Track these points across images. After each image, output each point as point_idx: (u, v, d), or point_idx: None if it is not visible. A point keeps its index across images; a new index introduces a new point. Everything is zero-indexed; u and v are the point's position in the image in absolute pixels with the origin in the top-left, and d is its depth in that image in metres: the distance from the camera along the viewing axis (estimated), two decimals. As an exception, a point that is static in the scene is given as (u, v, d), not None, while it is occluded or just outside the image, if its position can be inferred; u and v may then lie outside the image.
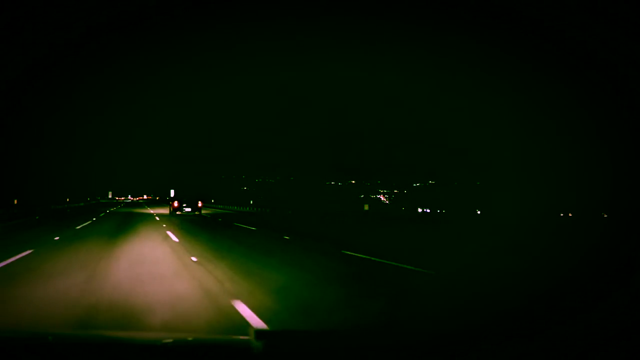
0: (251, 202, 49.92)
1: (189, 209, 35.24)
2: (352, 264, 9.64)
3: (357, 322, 4.85)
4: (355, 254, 10.84)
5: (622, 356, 1.86)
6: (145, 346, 2.36)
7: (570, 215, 42.82)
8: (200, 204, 36.37)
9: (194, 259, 9.55)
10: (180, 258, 9.76)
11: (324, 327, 4.67)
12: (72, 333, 3.49)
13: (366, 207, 34.70)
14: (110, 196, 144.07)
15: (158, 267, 8.48)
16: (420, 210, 78.73)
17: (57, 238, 13.92)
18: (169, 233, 16.26)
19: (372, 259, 10.10)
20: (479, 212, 62.61)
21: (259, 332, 1.83)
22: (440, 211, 74.24)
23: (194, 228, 20.07)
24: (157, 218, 27.50)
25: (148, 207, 60.50)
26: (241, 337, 2.29)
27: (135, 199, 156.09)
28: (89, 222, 22.77)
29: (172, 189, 38.19)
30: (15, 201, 36.63)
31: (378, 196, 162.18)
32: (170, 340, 2.55)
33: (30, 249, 10.75)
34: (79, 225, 20.06)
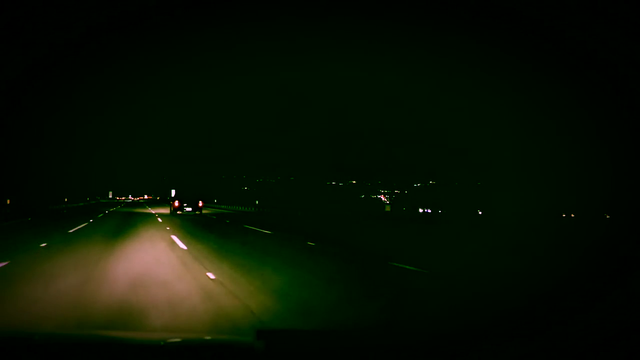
0: (257, 202, 47.68)
1: (189, 209, 35.08)
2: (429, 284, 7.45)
3: None
4: (409, 267, 8.64)
5: (622, 356, 1.85)
6: (146, 346, 2.28)
7: (572, 215, 43.12)
8: (200, 204, 36.10)
9: (211, 276, 7.33)
10: (194, 275, 7.53)
11: (324, 327, 4.50)
12: (73, 333, 3.26)
13: (387, 209, 32.47)
14: (110, 196, 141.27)
15: (167, 290, 6.26)
16: (421, 210, 77.58)
17: (43, 245, 11.67)
18: (175, 238, 14.01)
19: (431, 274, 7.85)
20: (480, 213, 61.58)
21: (260, 332, 1.81)
22: (442, 211, 73.20)
23: (201, 231, 17.82)
24: (160, 219, 25.18)
25: (149, 207, 58.11)
26: (243, 337, 2.40)
27: (135, 199, 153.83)
28: (85, 224, 20.50)
29: (172, 188, 37.97)
30: (8, 201, 34.27)
31: (378, 196, 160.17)
32: (172, 341, 2.48)
33: (5, 261, 8.54)
34: (73, 227, 17.79)
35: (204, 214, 36.10)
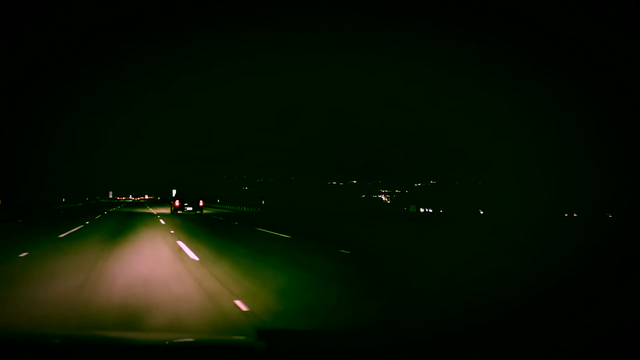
0: (263, 202, 45.44)
1: (190, 208, 34.86)
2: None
3: None
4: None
5: (622, 356, 1.85)
6: (147, 347, 2.23)
7: (575, 215, 42.37)
8: (201, 203, 35.78)
9: (242, 306, 5.09)
10: (217, 303, 5.29)
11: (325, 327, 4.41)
12: (74, 334, 3.01)
13: (413, 209, 30.21)
14: (111, 196, 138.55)
15: (182, 324, 4.07)
16: (422, 210, 76.03)
17: (24, 255, 9.47)
18: (181, 245, 11.76)
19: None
20: (481, 212, 60.25)
21: (261, 332, 1.80)
22: (444, 211, 71.91)
23: (209, 235, 15.57)
24: (162, 221, 22.82)
25: (150, 207, 55.74)
26: (244, 337, 2.34)
27: (136, 199, 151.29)
28: (80, 226, 18.21)
29: (173, 188, 37.49)
30: (0, 201, 31.92)
31: (379, 196, 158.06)
32: (173, 341, 2.44)
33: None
34: (65, 231, 15.53)
35: (206, 213, 35.56)
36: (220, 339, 3.09)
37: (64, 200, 49.61)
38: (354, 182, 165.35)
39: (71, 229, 16.72)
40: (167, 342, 2.39)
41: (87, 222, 20.85)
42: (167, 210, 38.44)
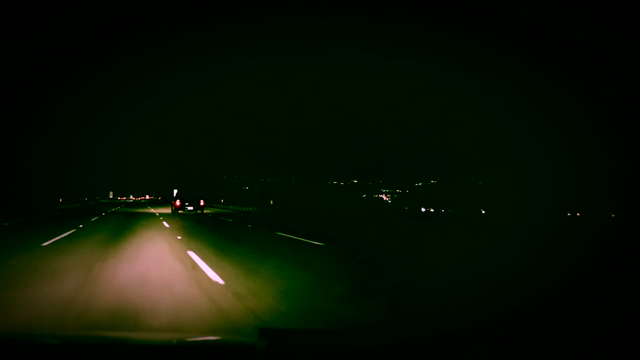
0: (271, 202, 42.80)
1: (191, 208, 34.58)
2: None
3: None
4: None
5: (622, 356, 1.81)
6: (148, 347, 2.18)
7: (578, 214, 43.08)
8: (202, 203, 35.53)
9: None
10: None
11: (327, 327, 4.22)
12: (75, 334, 2.97)
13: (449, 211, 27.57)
14: (111, 196, 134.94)
15: None
16: (423, 209, 74.36)
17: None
18: (194, 257, 9.05)
19: None
20: (483, 212, 59.19)
21: (262, 332, 1.78)
22: (445, 211, 70.38)
23: (225, 242, 12.81)
24: (166, 224, 19.95)
25: (151, 207, 52.80)
26: (245, 337, 2.42)
27: (137, 199, 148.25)
28: (72, 230, 15.44)
29: (174, 188, 36.95)
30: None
31: (380, 195, 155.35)
32: (174, 341, 2.37)
33: None
34: (52, 237, 12.79)
35: (209, 213, 34.63)
36: (221, 338, 2.96)
37: (60, 200, 46.56)
38: (355, 181, 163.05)
39: (60, 234, 13.94)
40: (167, 342, 2.31)
41: (81, 226, 18.02)
42: (168, 211, 36.93)
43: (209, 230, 17.07)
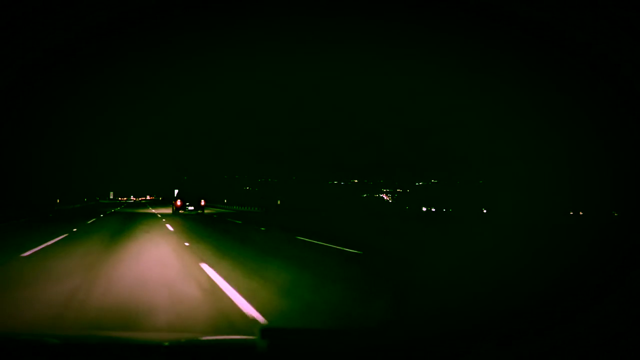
0: (279, 202, 40.78)
1: (191, 208, 34.09)
2: None
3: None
4: None
5: (623, 356, 1.80)
6: (149, 347, 2.14)
7: (581, 213, 42.26)
8: (203, 203, 34.96)
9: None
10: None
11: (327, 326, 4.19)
12: (75, 334, 2.97)
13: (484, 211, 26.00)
14: (111, 196, 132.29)
15: None
16: (424, 209, 73.24)
17: None
18: (210, 272, 6.98)
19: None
20: (485, 211, 58.66)
21: (264, 331, 1.71)
22: (447, 210, 69.40)
23: (242, 249, 10.66)
24: (170, 227, 17.73)
25: (152, 208, 50.54)
26: (246, 336, 2.22)
27: (138, 199, 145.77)
28: (64, 235, 13.30)
29: (175, 188, 36.52)
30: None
31: (381, 195, 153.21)
32: (175, 341, 2.31)
33: None
34: (39, 244, 10.72)
35: (210, 213, 34.19)
36: (222, 338, 2.93)
37: (58, 201, 44.23)
38: (355, 181, 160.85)
39: (49, 239, 11.81)
40: (168, 342, 2.21)
41: (75, 229, 15.85)
42: (169, 211, 35.90)
43: (219, 234, 14.93)
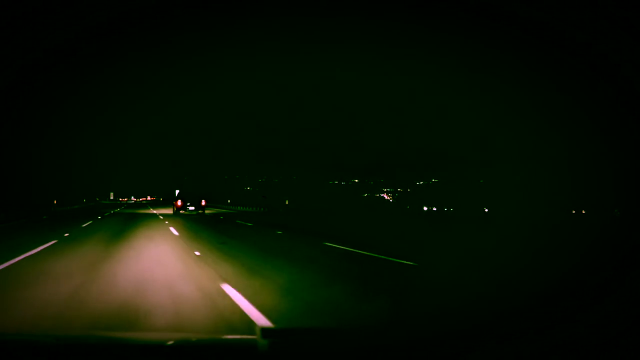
0: (287, 202, 38.90)
1: (192, 208, 33.89)
2: None
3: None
4: None
5: (624, 355, 1.79)
6: (149, 347, 2.09)
7: (583, 212, 41.24)
8: (203, 203, 34.57)
9: None
10: None
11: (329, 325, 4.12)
12: (76, 334, 2.94)
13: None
14: (112, 197, 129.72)
15: None
16: (425, 208, 71.97)
17: None
18: (238, 298, 4.81)
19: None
20: (486, 210, 58.31)
21: (265, 331, 1.70)
22: (448, 209, 68.22)
23: (269, 261, 8.49)
24: (174, 231, 15.55)
25: (153, 208, 48.39)
26: (247, 336, 2.20)
27: (138, 200, 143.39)
28: (52, 242, 11.19)
29: (176, 189, 36.12)
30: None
31: (381, 195, 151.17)
32: (176, 341, 2.25)
33: None
34: (14, 256, 8.63)
35: (217, 214, 33.60)
36: (225, 338, 2.85)
37: (55, 202, 42.00)
38: (356, 181, 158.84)
39: (32, 248, 9.70)
40: (171, 343, 2.16)
41: (67, 235, 13.70)
42: (170, 211, 35.29)
43: (233, 240, 12.76)
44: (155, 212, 36.84)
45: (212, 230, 16.90)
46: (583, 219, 27.78)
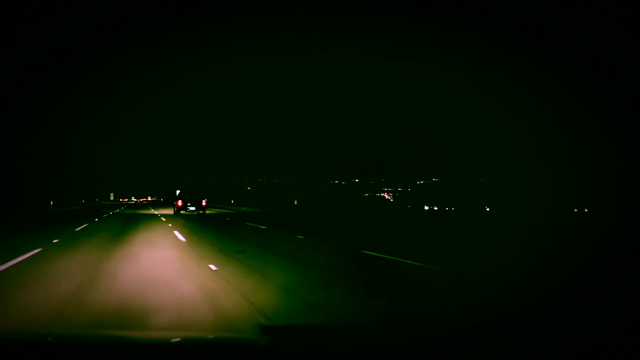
0: (295, 202, 37.43)
1: (193, 208, 33.16)
2: None
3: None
4: None
5: (624, 355, 1.72)
6: (150, 345, 2.00)
7: (585, 210, 41.38)
8: (204, 203, 33.79)
9: None
10: None
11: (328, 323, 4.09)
12: (76, 334, 2.95)
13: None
14: (112, 198, 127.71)
15: None
16: (426, 207, 71.19)
17: None
18: None
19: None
20: (487, 209, 57.80)
21: (264, 328, 1.67)
22: (449, 209, 67.24)
23: (308, 278, 6.59)
24: (181, 237, 13.63)
25: (154, 209, 46.63)
26: (247, 334, 2.28)
27: (139, 200, 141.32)
28: (36, 250, 9.78)
29: (176, 189, 35.53)
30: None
31: (382, 194, 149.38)
32: (176, 339, 2.22)
33: None
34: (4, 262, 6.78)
35: (211, 214, 33.08)
36: (224, 336, 2.80)
37: (52, 203, 39.99)
38: (357, 180, 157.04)
39: (9, 260, 7.78)
40: (171, 341, 2.13)
41: (56, 241, 11.95)
42: (171, 212, 34.80)
43: (251, 247, 10.84)
44: (156, 212, 35.46)
45: (222, 234, 15.07)
46: (584, 217, 27.48)
